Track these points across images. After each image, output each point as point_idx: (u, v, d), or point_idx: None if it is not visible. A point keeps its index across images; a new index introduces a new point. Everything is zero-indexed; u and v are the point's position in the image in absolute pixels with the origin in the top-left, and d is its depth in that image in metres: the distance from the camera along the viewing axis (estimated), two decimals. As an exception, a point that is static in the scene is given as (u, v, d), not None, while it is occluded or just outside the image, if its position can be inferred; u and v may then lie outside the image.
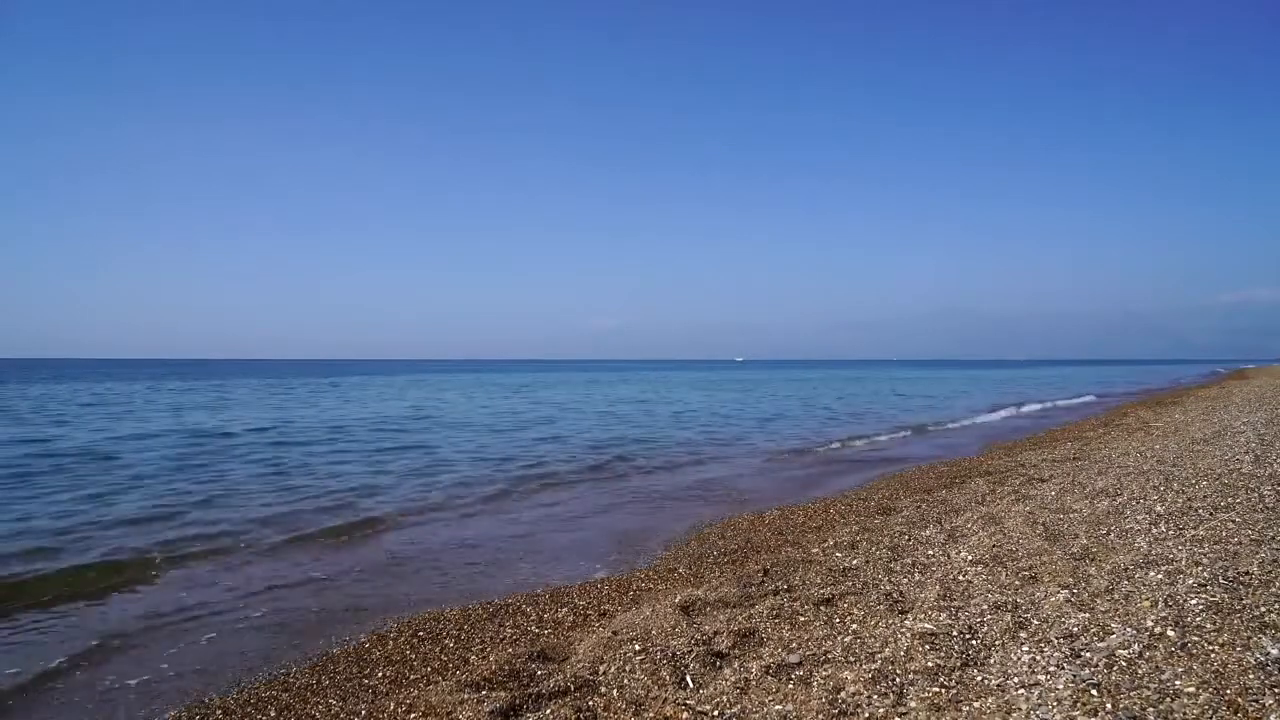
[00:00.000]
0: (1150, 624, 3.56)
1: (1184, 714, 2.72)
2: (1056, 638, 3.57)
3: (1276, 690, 2.79)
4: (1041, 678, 3.17)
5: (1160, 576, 4.26)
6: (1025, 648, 3.52)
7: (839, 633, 4.07)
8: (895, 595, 4.63)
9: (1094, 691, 2.97)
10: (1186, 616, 3.60)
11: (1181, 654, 3.20)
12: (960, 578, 4.83)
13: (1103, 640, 3.46)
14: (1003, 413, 25.41)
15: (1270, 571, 4.10)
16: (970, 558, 5.31)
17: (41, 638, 5.31)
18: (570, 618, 5.19)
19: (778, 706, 3.27)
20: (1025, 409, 27.01)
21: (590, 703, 3.54)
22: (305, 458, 14.24)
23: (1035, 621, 3.84)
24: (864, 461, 13.67)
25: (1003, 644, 3.61)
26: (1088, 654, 3.33)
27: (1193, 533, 5.19)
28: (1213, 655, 3.15)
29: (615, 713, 3.44)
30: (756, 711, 3.26)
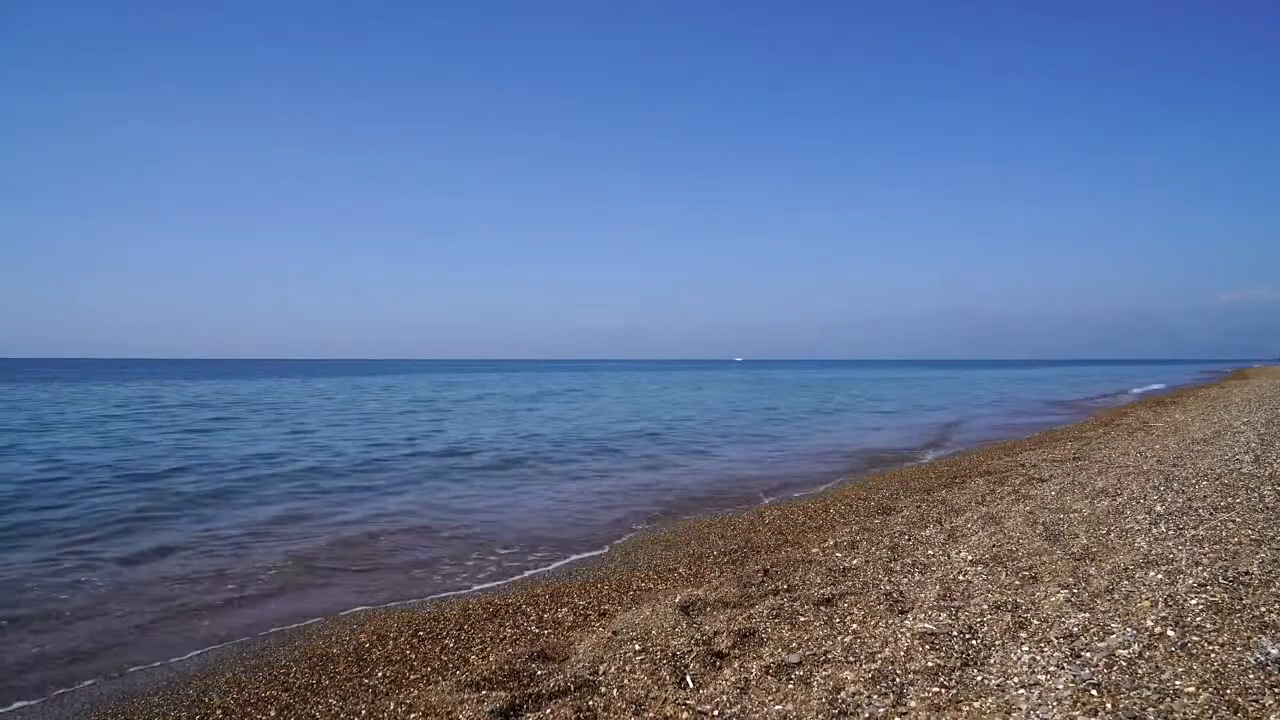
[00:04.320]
0: (1150, 624, 3.56)
1: (1184, 714, 2.72)
2: (1056, 638, 3.57)
3: (1276, 690, 2.79)
4: (1041, 678, 3.17)
5: (1160, 576, 4.26)
6: (1025, 648, 3.51)
7: (839, 633, 4.07)
8: (895, 595, 4.63)
9: (1094, 691, 2.96)
10: (1186, 616, 3.60)
11: (1181, 654, 3.20)
12: (960, 578, 4.83)
13: (1103, 640, 3.45)
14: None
15: (1270, 571, 4.10)
16: (970, 558, 5.30)
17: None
18: (570, 618, 5.19)
19: (778, 706, 3.27)
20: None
21: (590, 703, 3.54)
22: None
23: (1035, 621, 3.84)
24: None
25: (1003, 644, 3.61)
26: (1088, 654, 3.33)
27: (1193, 533, 5.18)
28: (1213, 655, 3.15)
29: (615, 713, 3.44)
30: (756, 711, 3.26)
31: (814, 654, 3.79)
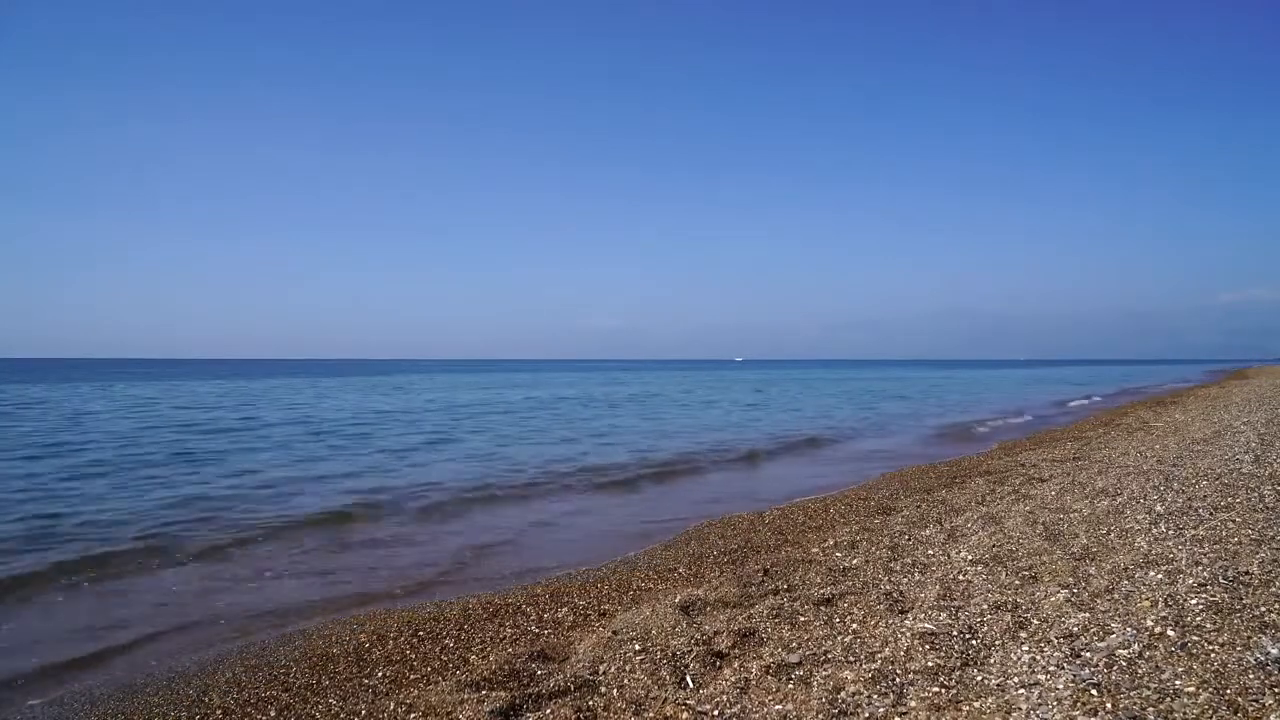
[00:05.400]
0: (1150, 624, 3.56)
1: (1184, 714, 2.72)
2: (1056, 638, 3.57)
3: (1276, 690, 2.79)
4: (1041, 677, 3.17)
5: (1160, 576, 4.26)
6: (1025, 647, 3.51)
7: (839, 632, 4.07)
8: (895, 595, 4.63)
9: (1094, 691, 2.96)
10: (1186, 616, 3.60)
11: (1181, 654, 3.20)
12: (960, 577, 4.83)
13: (1103, 640, 3.45)
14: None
15: (1270, 571, 4.10)
16: (970, 557, 5.30)
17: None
18: (570, 618, 5.19)
19: (778, 706, 3.26)
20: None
21: (590, 703, 3.54)
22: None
23: (1035, 621, 3.84)
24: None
25: (1003, 644, 3.61)
26: (1088, 654, 3.33)
27: (1193, 532, 5.18)
28: (1213, 655, 3.15)
29: (615, 713, 3.44)
30: (756, 711, 3.26)
31: (814, 654, 3.78)
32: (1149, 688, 2.94)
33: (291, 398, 34.20)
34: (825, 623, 4.25)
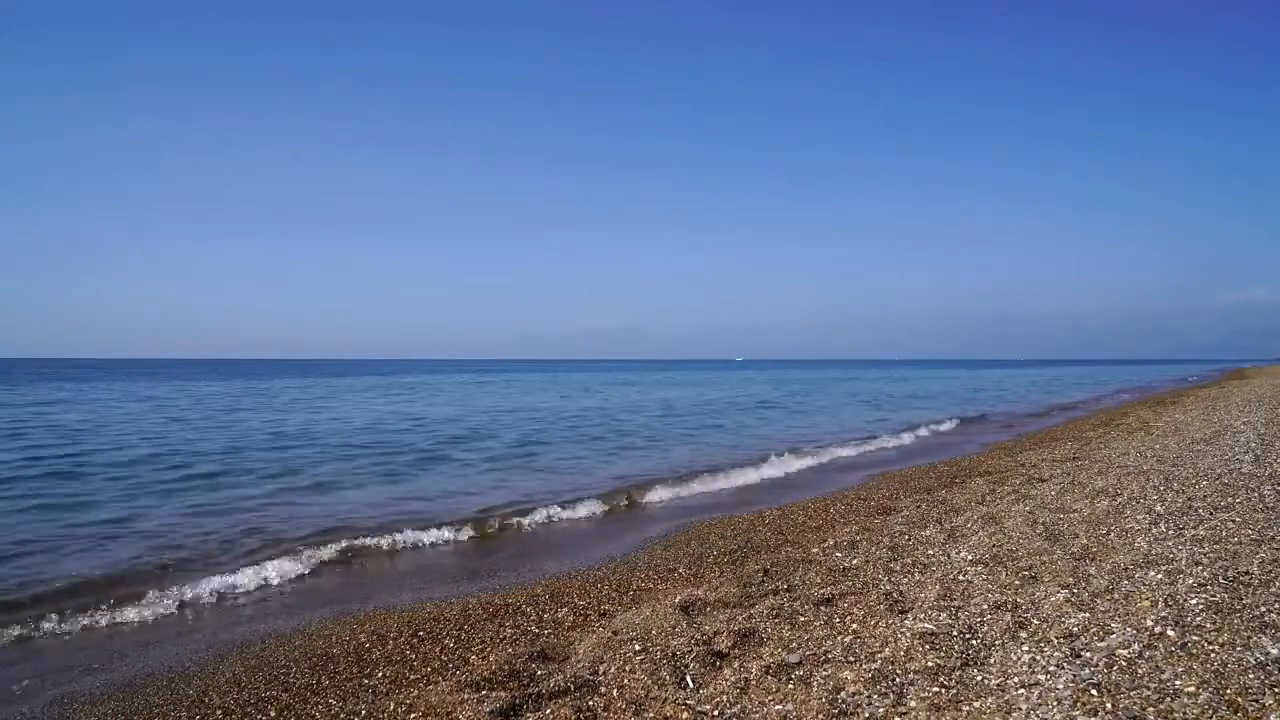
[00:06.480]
0: (1150, 624, 3.56)
1: (1184, 714, 2.72)
2: (1056, 637, 3.57)
3: (1276, 690, 2.79)
4: (1041, 677, 3.17)
5: (1160, 576, 4.26)
6: (1025, 647, 3.51)
7: (839, 633, 4.07)
8: (895, 595, 4.63)
9: (1094, 691, 2.96)
10: (1186, 616, 3.60)
11: (1181, 654, 3.20)
12: (960, 577, 4.83)
13: (1103, 640, 3.46)
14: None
15: (1270, 571, 4.10)
16: (970, 557, 5.31)
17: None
18: (570, 618, 5.19)
19: (778, 706, 3.27)
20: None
21: (590, 703, 3.54)
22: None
23: (1035, 621, 3.84)
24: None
25: (1003, 644, 3.61)
26: (1088, 654, 3.33)
27: (1193, 532, 5.19)
28: (1213, 655, 3.15)
29: (615, 713, 3.44)
30: (756, 711, 3.26)
31: (814, 654, 3.79)
32: (1149, 688, 2.94)
33: (309, 400, 33.61)
34: (825, 623, 4.25)
